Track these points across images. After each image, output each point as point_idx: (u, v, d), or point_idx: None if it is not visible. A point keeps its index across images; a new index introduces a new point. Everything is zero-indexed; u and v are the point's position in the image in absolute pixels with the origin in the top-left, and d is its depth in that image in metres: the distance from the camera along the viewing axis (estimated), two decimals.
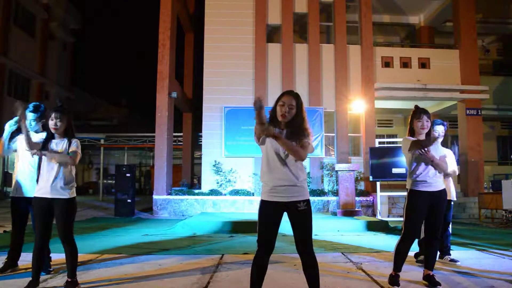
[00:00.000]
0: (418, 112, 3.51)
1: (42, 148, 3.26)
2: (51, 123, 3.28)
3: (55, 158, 3.23)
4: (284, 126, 2.70)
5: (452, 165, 4.43)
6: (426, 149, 3.34)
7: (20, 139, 3.95)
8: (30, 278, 3.19)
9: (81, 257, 4.57)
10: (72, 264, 3.26)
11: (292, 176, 2.60)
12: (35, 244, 3.23)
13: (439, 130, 4.42)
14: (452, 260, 4.42)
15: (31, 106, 3.94)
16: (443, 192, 3.48)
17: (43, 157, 3.26)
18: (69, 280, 3.24)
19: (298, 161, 2.64)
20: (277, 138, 2.52)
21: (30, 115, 3.90)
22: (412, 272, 3.90)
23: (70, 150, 3.30)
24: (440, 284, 3.34)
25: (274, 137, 2.52)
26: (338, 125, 11.56)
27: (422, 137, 3.51)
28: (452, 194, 4.56)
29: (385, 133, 15.45)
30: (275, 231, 2.64)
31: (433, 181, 3.43)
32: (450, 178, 4.56)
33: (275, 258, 4.50)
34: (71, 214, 3.31)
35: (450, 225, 4.66)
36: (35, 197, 3.26)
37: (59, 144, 3.31)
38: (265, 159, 2.67)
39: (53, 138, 3.34)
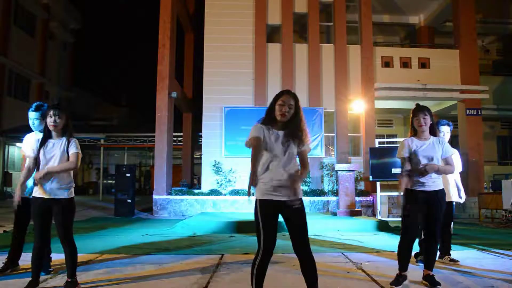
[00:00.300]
0: (416, 110, 3.53)
1: (40, 147, 3.25)
2: (49, 121, 3.25)
3: (58, 171, 3.23)
4: (282, 126, 2.70)
5: (457, 166, 4.48)
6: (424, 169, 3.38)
7: (27, 140, 3.95)
8: (30, 278, 3.19)
9: (81, 257, 4.57)
10: (72, 264, 3.26)
11: (290, 176, 2.63)
12: (34, 244, 3.23)
13: (444, 130, 4.47)
14: (452, 260, 4.41)
15: (33, 106, 3.94)
16: (440, 192, 3.45)
17: (40, 158, 3.24)
18: (69, 280, 3.24)
19: (295, 162, 2.68)
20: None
21: (33, 114, 3.90)
22: (412, 272, 3.89)
23: (71, 152, 3.27)
24: (440, 284, 3.34)
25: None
26: (338, 125, 11.56)
27: (425, 134, 3.49)
28: (454, 196, 4.54)
29: (385, 133, 15.45)
30: (275, 230, 2.64)
31: (429, 181, 3.42)
32: (454, 180, 4.54)
33: (275, 258, 4.48)
34: (70, 214, 3.30)
35: (452, 225, 4.65)
36: (33, 197, 3.24)
37: (56, 144, 3.27)
38: (264, 160, 2.66)
39: (50, 137, 3.30)
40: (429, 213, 3.44)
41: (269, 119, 2.72)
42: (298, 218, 2.61)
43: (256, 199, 2.64)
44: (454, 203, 4.60)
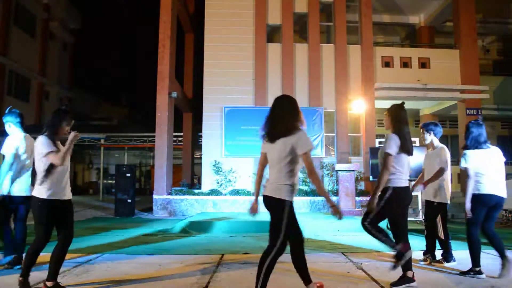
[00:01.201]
0: None
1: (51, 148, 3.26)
2: (67, 129, 3.35)
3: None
4: None
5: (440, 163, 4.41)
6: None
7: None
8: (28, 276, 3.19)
9: (81, 257, 4.58)
10: (60, 265, 3.25)
11: None
12: (35, 245, 3.17)
13: (423, 131, 4.57)
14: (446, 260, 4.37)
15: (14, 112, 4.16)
16: (385, 189, 3.53)
17: (46, 162, 3.22)
18: (58, 282, 3.21)
19: None
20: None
21: (13, 119, 4.09)
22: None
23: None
24: None
25: None
26: (338, 125, 11.56)
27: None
28: (443, 197, 4.45)
29: (385, 133, 15.44)
30: None
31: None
32: (443, 181, 4.44)
33: None
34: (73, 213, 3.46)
35: (445, 226, 4.45)
36: (48, 200, 3.15)
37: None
38: (299, 166, 2.88)
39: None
40: None
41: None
42: None
43: (288, 201, 2.81)
44: (448, 205, 4.43)
